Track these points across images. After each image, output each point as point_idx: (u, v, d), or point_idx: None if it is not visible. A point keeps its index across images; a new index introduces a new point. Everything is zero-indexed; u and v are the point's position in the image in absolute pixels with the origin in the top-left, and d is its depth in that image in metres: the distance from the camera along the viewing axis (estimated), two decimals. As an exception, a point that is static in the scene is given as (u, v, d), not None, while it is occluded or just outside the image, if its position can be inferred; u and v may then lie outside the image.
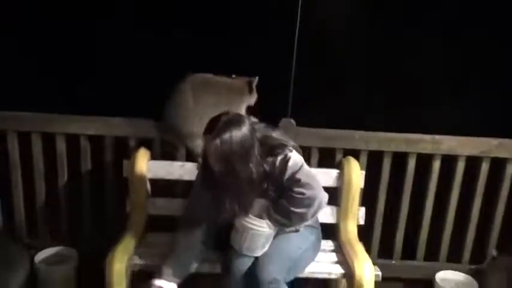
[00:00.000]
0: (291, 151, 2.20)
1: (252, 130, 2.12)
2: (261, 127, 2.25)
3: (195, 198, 2.38)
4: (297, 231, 2.33)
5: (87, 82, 3.24)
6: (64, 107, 2.87)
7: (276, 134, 2.26)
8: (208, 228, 2.31)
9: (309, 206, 2.15)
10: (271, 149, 2.18)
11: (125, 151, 2.82)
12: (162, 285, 2.21)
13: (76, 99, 3.15)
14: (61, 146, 2.87)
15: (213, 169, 2.13)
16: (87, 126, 2.84)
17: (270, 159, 2.17)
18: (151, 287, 2.20)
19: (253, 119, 2.70)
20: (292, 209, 2.15)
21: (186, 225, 2.33)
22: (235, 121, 2.09)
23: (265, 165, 2.16)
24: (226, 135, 2.04)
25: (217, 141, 2.04)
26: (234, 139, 2.05)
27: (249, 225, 2.17)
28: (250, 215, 2.18)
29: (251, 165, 2.12)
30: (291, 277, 2.28)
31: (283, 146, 2.19)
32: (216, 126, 2.06)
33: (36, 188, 2.93)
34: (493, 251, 2.95)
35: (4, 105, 2.82)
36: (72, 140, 2.88)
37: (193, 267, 2.31)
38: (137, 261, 2.40)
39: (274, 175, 2.18)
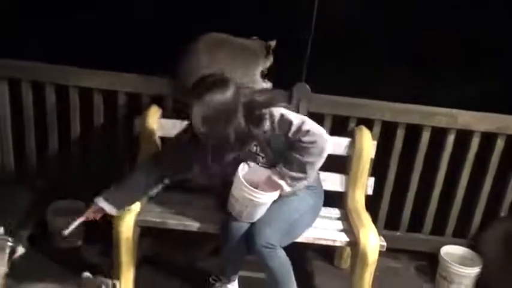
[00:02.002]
0: (281, 107, 2.19)
1: (236, 94, 2.10)
2: (248, 92, 2.23)
3: (173, 148, 2.39)
4: (295, 194, 2.31)
5: (102, 37, 3.20)
6: (80, 61, 2.85)
7: (263, 98, 2.22)
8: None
9: (321, 152, 2.15)
10: (259, 116, 2.15)
11: (137, 107, 2.82)
12: (104, 207, 2.25)
13: (91, 53, 3.12)
14: (74, 98, 2.87)
15: (195, 128, 2.13)
16: (100, 80, 2.83)
17: (265, 124, 2.15)
18: (94, 206, 2.25)
19: (265, 83, 2.69)
20: (306, 159, 2.14)
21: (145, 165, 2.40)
22: (219, 83, 2.08)
23: (258, 130, 2.15)
24: (208, 98, 2.04)
25: (199, 102, 2.05)
26: (215, 101, 2.05)
27: (250, 197, 2.14)
28: (248, 186, 2.14)
29: (230, 129, 2.11)
30: (288, 241, 2.28)
31: (268, 105, 2.17)
32: (197, 86, 2.07)
33: (49, 139, 2.96)
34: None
35: (20, 54, 2.82)
36: (86, 94, 2.88)
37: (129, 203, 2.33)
38: (145, 217, 2.43)
39: (277, 138, 2.17)
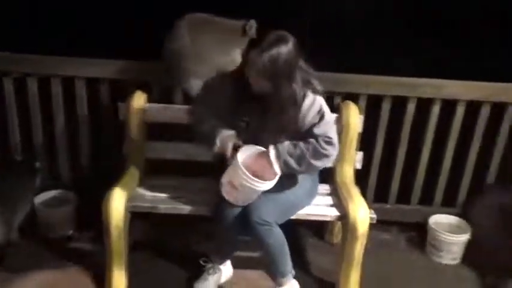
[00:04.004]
0: (320, 96, 2.21)
1: (297, 51, 2.09)
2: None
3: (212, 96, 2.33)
4: (293, 176, 2.33)
5: (83, 24, 3.14)
6: (60, 49, 2.81)
7: (311, 72, 2.24)
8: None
9: (324, 161, 2.19)
10: (307, 84, 2.17)
11: (122, 94, 2.79)
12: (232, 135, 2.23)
13: (72, 41, 3.07)
14: (56, 88, 2.84)
15: (256, 84, 2.11)
16: (82, 69, 2.80)
17: (306, 100, 2.16)
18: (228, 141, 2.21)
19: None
20: (312, 160, 2.16)
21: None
22: (283, 38, 2.06)
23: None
24: (274, 51, 2.02)
25: (265, 57, 2.02)
26: (282, 56, 2.03)
27: (251, 186, 2.14)
28: (249, 174, 2.13)
29: (294, 85, 2.12)
30: (283, 220, 2.30)
31: (317, 89, 2.19)
32: (262, 41, 2.04)
33: (33, 131, 2.93)
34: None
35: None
36: (70, 83, 2.84)
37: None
38: (136, 203, 2.43)
39: (302, 119, 2.18)
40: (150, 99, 2.70)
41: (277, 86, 2.09)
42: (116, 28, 3.05)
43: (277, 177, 2.20)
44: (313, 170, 2.25)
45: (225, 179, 2.22)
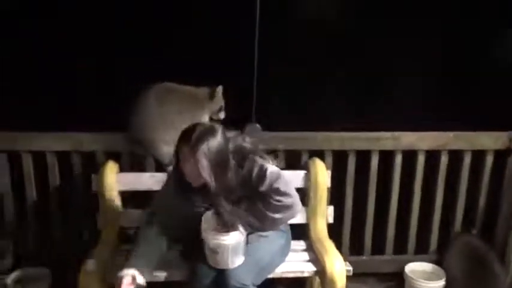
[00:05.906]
0: (264, 159, 2.26)
1: (226, 139, 2.17)
2: (232, 136, 2.28)
3: (162, 198, 2.39)
4: (265, 236, 2.37)
5: (52, 98, 3.16)
6: (28, 123, 2.82)
7: (246, 143, 2.30)
8: (171, 226, 2.32)
9: (285, 212, 2.23)
10: (244, 158, 2.22)
11: (94, 165, 2.82)
12: (134, 274, 2.16)
13: (40, 115, 3.08)
14: (27, 163, 2.85)
15: (191, 178, 2.16)
16: (52, 143, 2.82)
17: (244, 169, 2.21)
18: (124, 276, 2.14)
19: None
20: (269, 214, 2.21)
21: (149, 220, 2.34)
22: (209, 131, 2.13)
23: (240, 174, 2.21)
24: (204, 146, 2.08)
25: (197, 153, 2.07)
26: (212, 149, 2.09)
27: (223, 242, 2.17)
28: (210, 231, 2.18)
29: (229, 173, 2.17)
30: (259, 281, 2.31)
31: (254, 156, 2.24)
32: (190, 136, 2.09)
33: (5, 208, 2.90)
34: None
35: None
36: (40, 156, 2.85)
37: (156, 261, 2.29)
38: (112, 273, 2.40)
39: (249, 185, 2.22)
40: (121, 168, 2.74)
41: (214, 176, 2.12)
42: (83, 99, 3.09)
43: (240, 229, 2.22)
44: (279, 223, 2.29)
45: (205, 251, 2.25)
